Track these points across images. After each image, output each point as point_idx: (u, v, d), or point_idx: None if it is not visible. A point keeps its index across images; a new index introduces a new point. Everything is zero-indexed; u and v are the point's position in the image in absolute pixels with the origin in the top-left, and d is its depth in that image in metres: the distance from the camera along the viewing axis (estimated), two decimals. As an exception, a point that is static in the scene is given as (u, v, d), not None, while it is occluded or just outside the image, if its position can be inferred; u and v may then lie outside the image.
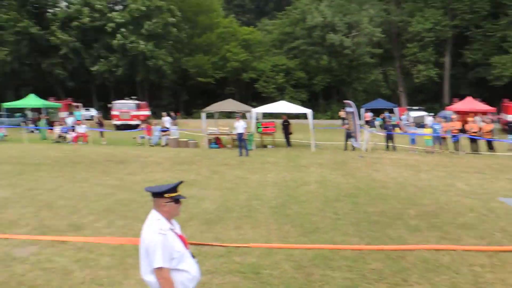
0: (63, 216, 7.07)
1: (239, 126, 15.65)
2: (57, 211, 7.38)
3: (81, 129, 20.57)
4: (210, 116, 21.48)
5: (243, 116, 18.05)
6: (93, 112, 36.62)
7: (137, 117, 29.57)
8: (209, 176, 11.19)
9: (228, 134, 19.00)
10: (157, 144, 19.26)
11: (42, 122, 24.45)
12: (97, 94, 42.83)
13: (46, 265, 5.02)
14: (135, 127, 26.78)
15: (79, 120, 22.10)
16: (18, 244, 5.70)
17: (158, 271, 2.57)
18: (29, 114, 29.23)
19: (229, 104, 20.20)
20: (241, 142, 15.68)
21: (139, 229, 6.21)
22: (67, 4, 39.56)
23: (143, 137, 19.68)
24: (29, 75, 39.14)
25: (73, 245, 5.69)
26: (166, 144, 19.02)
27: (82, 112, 32.74)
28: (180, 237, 2.79)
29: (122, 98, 32.89)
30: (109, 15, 36.46)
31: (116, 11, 38.48)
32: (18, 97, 34.31)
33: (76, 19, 36.40)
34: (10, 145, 19.01)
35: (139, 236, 5.77)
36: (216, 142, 18.65)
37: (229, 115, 31.59)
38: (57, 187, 9.46)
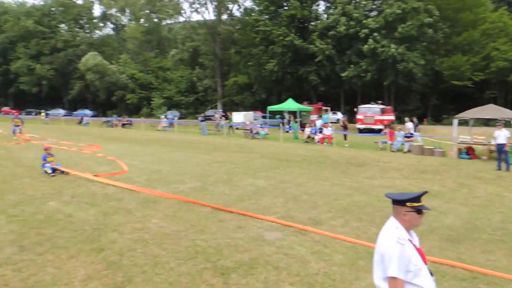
0: (305, 210, 7.72)
1: (501, 135, 13.40)
2: (300, 204, 8.12)
3: (328, 131, 21.96)
4: (462, 123, 19.23)
5: (507, 124, 15.35)
6: (339, 115, 38.65)
7: (381, 121, 29.45)
8: (456, 189, 10.03)
9: (484, 144, 16.59)
10: (399, 150, 18.63)
11: (295, 124, 27.53)
12: (344, 99, 44.93)
13: (288, 251, 5.58)
14: (378, 131, 26.74)
15: (326, 123, 23.69)
16: (268, 228, 6.55)
17: (392, 280, 2.49)
18: (286, 116, 33.40)
19: (490, 110, 17.53)
20: (501, 154, 13.40)
21: (372, 233, 6.24)
22: (326, 15, 43.10)
23: (385, 142, 19.42)
24: (289, 82, 44.65)
25: (312, 238, 6.12)
26: (409, 151, 18.16)
27: (329, 116, 35.08)
28: (419, 250, 2.61)
29: (368, 103, 33.42)
30: (364, 21, 37.57)
31: (371, 17, 39.24)
32: (280, 101, 39.62)
33: (333, 28, 39.19)
34: (269, 143, 22.20)
35: (372, 240, 5.75)
36: (468, 152, 16.54)
37: (487, 122, 27.56)
38: (302, 182, 10.37)
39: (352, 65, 38.93)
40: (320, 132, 22.38)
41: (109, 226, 6.52)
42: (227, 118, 32.00)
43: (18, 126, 21.98)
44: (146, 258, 5.24)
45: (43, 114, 46.06)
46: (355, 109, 33.26)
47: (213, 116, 37.83)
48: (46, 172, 10.78)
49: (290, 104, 32.34)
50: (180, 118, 44.87)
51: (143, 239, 5.92)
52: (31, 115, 54.00)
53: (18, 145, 18.65)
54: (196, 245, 5.72)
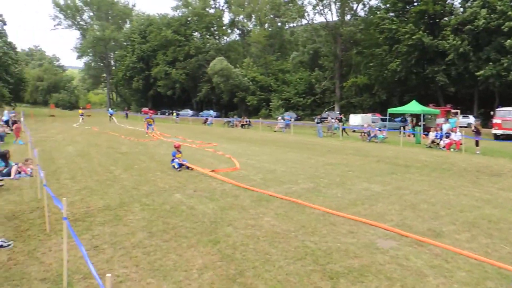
0: (424, 220, 7.17)
1: None
2: (419, 214, 7.56)
3: (456, 136, 20.02)
4: None
5: None
6: (471, 119, 34.88)
7: (524, 127, 25.80)
8: None
9: None
10: (547, 160, 16.05)
11: (418, 127, 25.70)
12: (478, 100, 40.35)
13: (403, 262, 5.26)
14: (519, 137, 23.49)
15: (454, 127, 21.62)
16: (381, 236, 6.26)
17: None
18: (408, 119, 31.38)
19: None
20: None
21: (506, 252, 5.57)
22: (463, 9, 39.23)
23: (528, 150, 16.93)
24: (413, 83, 41.82)
25: (430, 250, 5.68)
26: (560, 162, 15.52)
27: (458, 119, 31.94)
28: None
29: (509, 105, 29.57)
30: (510, 13, 33.16)
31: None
32: (402, 103, 37.38)
33: (470, 22, 35.55)
34: (387, 147, 21.12)
35: (505, 260, 5.12)
36: None
37: None
38: (422, 190, 9.65)
39: (490, 63, 34.76)
40: (447, 137, 20.50)
41: (225, 220, 6.93)
42: (341, 120, 31.31)
43: (150, 125, 25.26)
44: (257, 254, 5.44)
45: (174, 114, 50.98)
46: (491, 113, 29.64)
47: (327, 118, 37.49)
48: (174, 167, 11.93)
49: (413, 106, 30.24)
50: (296, 119, 45.48)
51: (255, 236, 6.16)
52: (164, 115, 60.33)
53: (151, 141, 20.99)
54: (306, 246, 5.74)
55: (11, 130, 22.28)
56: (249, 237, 6.10)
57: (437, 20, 40.56)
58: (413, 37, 37.33)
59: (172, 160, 12.21)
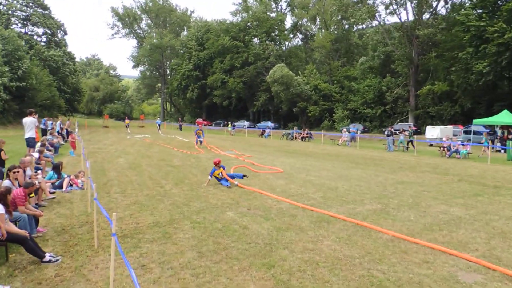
0: (517, 251, 6.63)
1: None
2: (511, 244, 7.00)
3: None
4: None
5: None
6: None
7: None
8: None
9: None
10: None
11: (510, 141, 23.96)
12: None
13: (492, 300, 4.92)
14: None
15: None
16: (463, 268, 5.86)
17: None
18: (498, 132, 29.39)
19: None
20: None
21: None
22: None
23: None
24: (505, 90, 39.18)
25: (525, 288, 5.24)
26: None
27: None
28: None
29: None
30: None
31: None
32: (490, 113, 35.18)
33: None
34: (471, 163, 19.90)
35: None
36: None
37: None
38: (515, 216, 8.98)
39: None
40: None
41: (280, 242, 6.85)
42: (412, 133, 30.02)
43: (199, 136, 26.48)
44: (316, 282, 5.30)
45: (230, 126, 51.87)
46: None
47: (399, 130, 36.18)
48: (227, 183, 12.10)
49: (504, 117, 28.34)
50: (363, 131, 44.44)
51: (313, 261, 6.02)
52: (219, 126, 61.71)
53: (202, 154, 21.51)
54: (372, 276, 5.51)
55: (65, 141, 23.95)
56: (307, 262, 5.98)
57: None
58: (504, 37, 35.10)
59: (219, 180, 12.23)
